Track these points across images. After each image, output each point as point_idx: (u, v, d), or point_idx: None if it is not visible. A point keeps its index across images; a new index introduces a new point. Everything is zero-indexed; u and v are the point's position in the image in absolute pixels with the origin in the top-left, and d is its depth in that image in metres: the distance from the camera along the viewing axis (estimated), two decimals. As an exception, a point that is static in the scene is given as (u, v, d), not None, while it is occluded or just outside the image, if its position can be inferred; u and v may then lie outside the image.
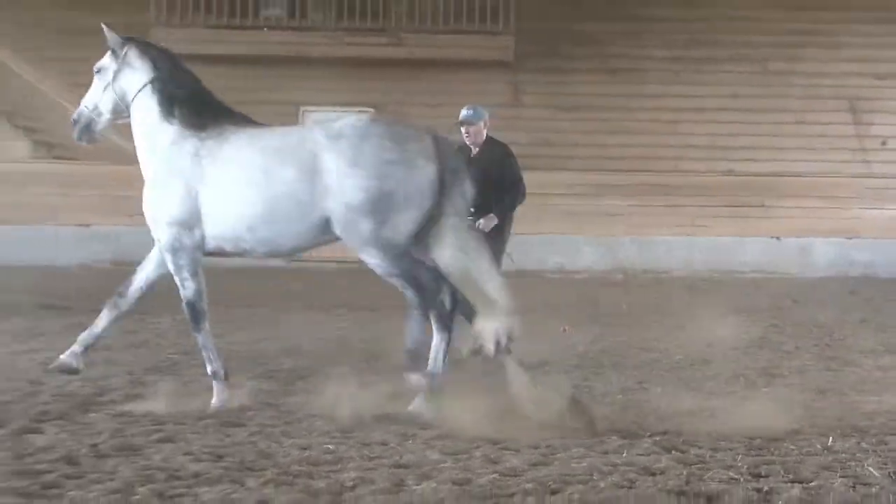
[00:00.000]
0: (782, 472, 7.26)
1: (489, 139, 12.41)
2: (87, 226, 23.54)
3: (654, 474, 7.19)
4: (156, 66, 9.98)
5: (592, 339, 14.22)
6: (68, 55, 25.45)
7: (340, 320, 15.50)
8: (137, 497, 6.51)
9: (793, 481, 7.02)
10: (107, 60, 10.23)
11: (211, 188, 9.37)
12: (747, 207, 25.64)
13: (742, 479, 7.06)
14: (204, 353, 9.76)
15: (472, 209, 10.79)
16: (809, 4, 26.84)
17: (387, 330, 14.42)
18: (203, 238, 9.52)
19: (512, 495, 6.68)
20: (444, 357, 9.33)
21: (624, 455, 7.68)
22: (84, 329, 9.88)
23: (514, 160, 12.52)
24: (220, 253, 9.77)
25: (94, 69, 10.25)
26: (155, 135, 9.72)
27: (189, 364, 11.44)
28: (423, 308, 9.38)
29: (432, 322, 9.35)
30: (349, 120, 9.38)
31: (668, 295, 20.26)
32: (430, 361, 9.37)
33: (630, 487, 6.87)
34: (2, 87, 24.92)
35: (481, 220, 11.91)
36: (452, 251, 9.14)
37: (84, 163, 23.99)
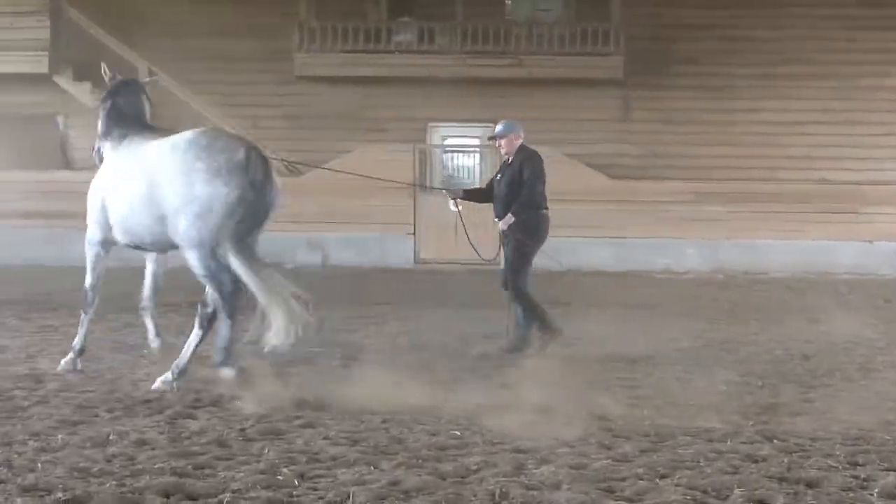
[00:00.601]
0: (878, 460, 7.09)
1: (522, 148, 12.59)
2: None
3: (756, 461, 7.06)
4: (107, 93, 10.85)
5: (695, 334, 14.02)
6: (220, 79, 25.88)
7: (468, 318, 15.46)
8: (281, 477, 6.52)
9: (888, 469, 6.85)
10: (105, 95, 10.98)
11: (109, 191, 10.13)
12: (840, 213, 25.21)
13: (840, 467, 6.90)
14: (80, 329, 10.45)
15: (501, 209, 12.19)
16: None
17: (504, 327, 14.40)
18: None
19: (624, 479, 6.59)
20: (194, 350, 9.77)
21: (728, 443, 7.55)
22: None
23: (533, 166, 12.45)
24: (129, 245, 10.42)
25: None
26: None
27: (327, 356, 11.46)
28: (223, 307, 9.72)
29: (196, 318, 9.82)
30: (186, 133, 9.91)
31: (767, 295, 19.98)
32: (183, 351, 9.81)
33: (734, 473, 6.75)
34: (163, 108, 25.24)
35: (501, 220, 12.37)
36: (244, 258, 9.53)
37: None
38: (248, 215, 9.57)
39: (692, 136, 26.39)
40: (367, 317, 14.95)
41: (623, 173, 25.29)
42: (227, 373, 9.88)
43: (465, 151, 26.09)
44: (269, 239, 23.00)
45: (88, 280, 10.55)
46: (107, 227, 10.25)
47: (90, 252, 10.49)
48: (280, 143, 25.31)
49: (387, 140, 25.23)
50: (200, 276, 9.67)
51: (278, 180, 9.98)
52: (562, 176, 23.80)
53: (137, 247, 10.42)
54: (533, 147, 12.86)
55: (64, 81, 25.40)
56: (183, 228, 9.54)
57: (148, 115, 10.85)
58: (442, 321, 14.94)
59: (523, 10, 26.56)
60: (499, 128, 12.82)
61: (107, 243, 10.44)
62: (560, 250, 23.53)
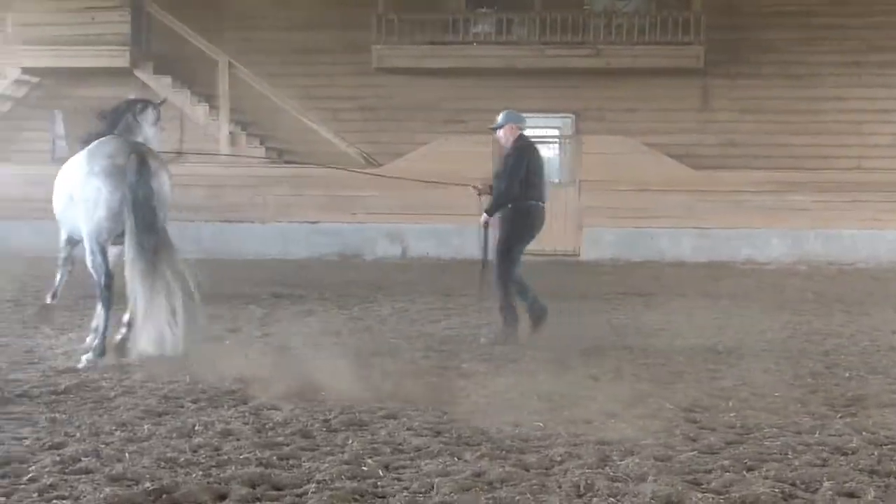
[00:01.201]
0: (971, 453, 6.97)
1: (519, 139, 12.61)
2: (315, 223, 23.91)
3: (846, 454, 6.97)
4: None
5: (780, 325, 13.87)
6: (299, 71, 26.03)
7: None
8: (365, 468, 6.54)
9: (980, 460, 6.74)
10: None
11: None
12: (929, 203, 24.78)
13: (933, 460, 6.79)
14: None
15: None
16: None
17: (589, 316, 14.38)
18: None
19: (710, 471, 6.54)
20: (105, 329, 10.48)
21: (816, 435, 7.47)
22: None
23: (515, 159, 12.41)
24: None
25: None
26: None
27: (408, 348, 11.48)
28: (98, 297, 10.56)
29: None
30: (94, 142, 10.80)
31: (853, 285, 19.71)
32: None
33: (823, 466, 6.67)
34: (242, 101, 25.47)
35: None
36: (138, 262, 10.19)
37: (312, 166, 24.37)
38: (135, 213, 10.24)
39: (774, 125, 26.06)
40: (448, 308, 14.97)
41: (702, 163, 25.05)
42: (85, 359, 10.31)
43: (543, 142, 25.98)
44: (350, 230, 23.25)
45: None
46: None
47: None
48: (358, 136, 25.48)
49: (465, 131, 25.22)
50: (88, 265, 10.55)
51: (166, 179, 10.67)
52: (641, 166, 23.78)
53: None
54: (531, 139, 13.02)
55: (144, 75, 25.65)
56: (82, 224, 10.57)
57: (141, 133, 11.40)
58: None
59: (602, 1, 26.42)
60: (498, 119, 12.81)
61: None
62: (637, 239, 23.54)
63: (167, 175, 10.71)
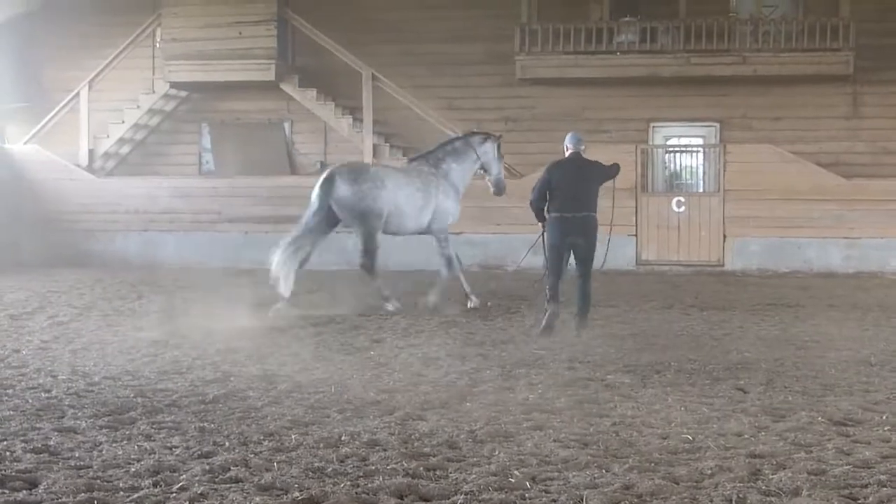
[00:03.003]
0: None
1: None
2: (459, 233, 23.95)
3: None
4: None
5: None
6: (443, 83, 26.13)
7: (693, 319, 15.23)
8: (513, 480, 6.51)
9: None
10: None
11: None
12: None
13: None
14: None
15: None
16: None
17: (736, 328, 14.16)
18: None
19: (866, 486, 6.38)
20: None
21: (978, 451, 7.24)
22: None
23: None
24: None
25: None
26: None
27: (553, 359, 11.41)
28: None
29: None
30: None
31: None
32: None
33: None
34: (385, 113, 25.64)
35: None
36: None
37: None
38: None
39: (929, 133, 25.40)
40: (592, 318, 14.85)
41: (852, 171, 24.50)
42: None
43: (687, 151, 25.75)
44: (496, 240, 23.20)
45: None
46: None
47: None
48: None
49: (609, 141, 25.07)
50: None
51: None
52: (788, 175, 23.37)
53: None
54: (558, 157, 14.66)
55: (290, 88, 25.97)
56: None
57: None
58: (666, 322, 14.75)
59: (748, 7, 26.05)
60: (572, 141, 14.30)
61: None
62: (784, 249, 23.12)
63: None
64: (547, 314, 13.46)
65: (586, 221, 13.62)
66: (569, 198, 13.55)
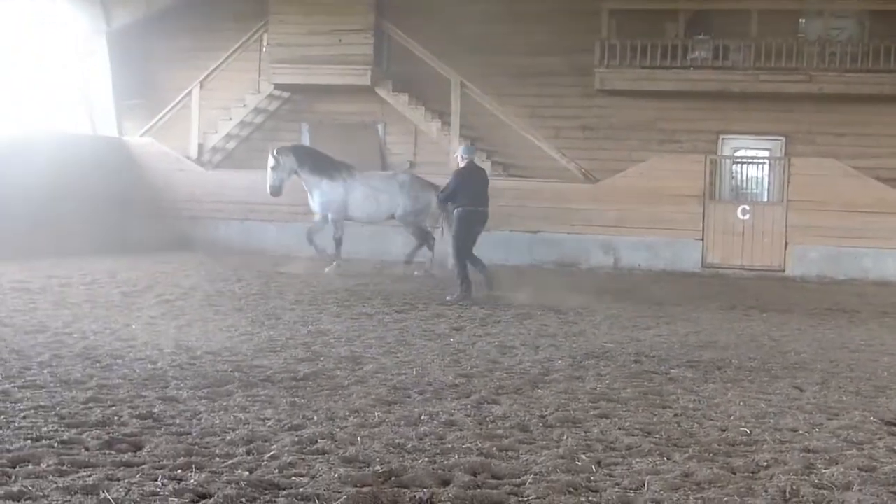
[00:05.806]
0: None
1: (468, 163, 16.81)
2: (535, 232, 23.88)
3: None
4: None
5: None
6: (527, 92, 26.07)
7: (753, 320, 15.06)
8: (579, 463, 6.48)
9: None
10: None
11: None
12: None
13: None
14: None
15: None
16: None
17: (795, 330, 13.98)
18: None
19: (916, 484, 6.26)
20: None
21: None
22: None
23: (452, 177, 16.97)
24: None
25: None
26: None
27: (621, 352, 11.34)
28: None
29: None
30: None
31: None
32: None
33: None
34: (472, 118, 25.62)
35: None
36: None
37: (534, 180, 24.47)
38: None
39: None
40: (658, 316, 14.75)
41: (915, 187, 24.09)
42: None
43: (754, 162, 25.48)
44: (568, 240, 23.07)
45: None
46: None
47: None
48: (579, 153, 25.34)
49: (680, 150, 24.91)
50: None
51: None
52: (848, 188, 23.04)
53: None
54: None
55: (384, 93, 26.01)
56: None
57: None
58: (728, 322, 14.59)
59: (816, 30, 25.69)
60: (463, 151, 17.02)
61: None
62: (842, 257, 22.78)
63: None
64: (466, 289, 16.00)
65: (487, 214, 16.62)
66: (478, 195, 16.36)
